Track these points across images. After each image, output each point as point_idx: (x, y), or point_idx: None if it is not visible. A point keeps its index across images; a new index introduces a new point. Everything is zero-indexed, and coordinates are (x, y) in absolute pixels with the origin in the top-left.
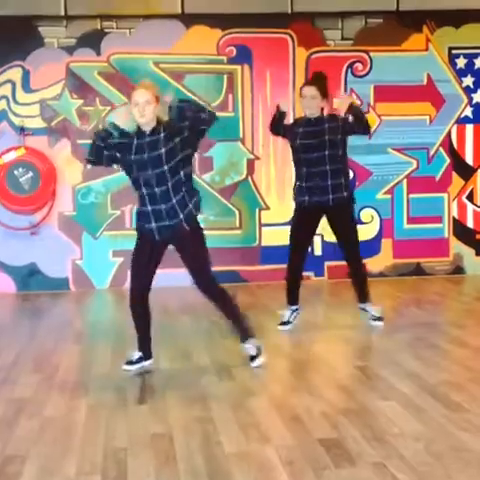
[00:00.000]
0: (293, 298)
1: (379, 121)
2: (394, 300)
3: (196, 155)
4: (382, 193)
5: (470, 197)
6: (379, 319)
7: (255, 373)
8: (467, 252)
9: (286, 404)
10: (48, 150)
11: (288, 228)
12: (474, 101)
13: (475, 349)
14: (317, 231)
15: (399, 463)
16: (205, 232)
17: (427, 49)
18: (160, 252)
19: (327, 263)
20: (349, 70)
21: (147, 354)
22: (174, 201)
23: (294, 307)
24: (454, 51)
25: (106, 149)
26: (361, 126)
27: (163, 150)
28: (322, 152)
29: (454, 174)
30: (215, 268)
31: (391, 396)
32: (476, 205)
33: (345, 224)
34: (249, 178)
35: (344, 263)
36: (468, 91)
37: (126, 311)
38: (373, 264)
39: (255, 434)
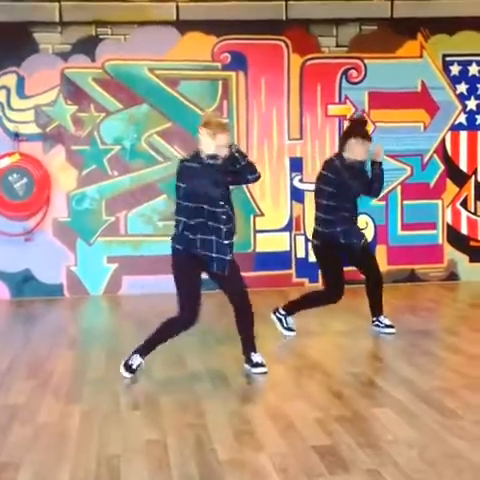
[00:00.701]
0: None
1: (373, 128)
2: (388, 307)
3: None
4: (376, 199)
5: (464, 204)
6: (391, 327)
7: (250, 380)
8: (461, 258)
9: (280, 411)
10: (42, 156)
11: (282, 234)
12: (468, 108)
13: (469, 356)
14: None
15: (393, 470)
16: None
17: (421, 56)
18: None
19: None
20: (344, 77)
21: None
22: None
23: None
24: (448, 58)
25: None
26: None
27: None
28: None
29: (448, 181)
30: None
31: (385, 403)
32: (470, 212)
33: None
34: (244, 184)
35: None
36: (462, 98)
37: (120, 317)
38: None
39: (249, 441)
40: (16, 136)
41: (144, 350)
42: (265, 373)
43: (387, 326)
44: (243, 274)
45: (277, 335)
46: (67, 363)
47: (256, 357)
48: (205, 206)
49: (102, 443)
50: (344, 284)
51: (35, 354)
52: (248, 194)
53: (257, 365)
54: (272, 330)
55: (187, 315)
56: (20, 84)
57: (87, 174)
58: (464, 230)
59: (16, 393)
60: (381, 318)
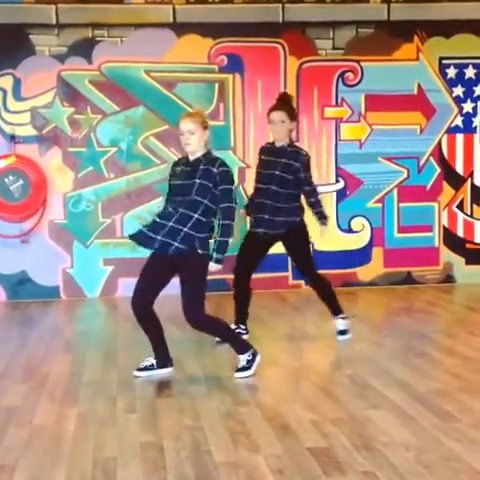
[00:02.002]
0: None
1: (370, 130)
2: (385, 309)
3: None
4: (373, 202)
5: (460, 206)
6: (344, 332)
7: (245, 382)
8: (457, 261)
9: (276, 413)
10: (39, 158)
11: None
12: (464, 111)
13: (465, 358)
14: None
15: (389, 472)
16: None
17: (418, 59)
18: (169, 273)
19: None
20: (340, 79)
21: (163, 362)
22: (185, 229)
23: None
24: (444, 61)
25: None
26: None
27: (198, 181)
28: (270, 186)
29: (444, 183)
30: None
31: (381, 405)
32: (466, 214)
33: (296, 249)
34: (240, 187)
35: (335, 272)
36: (458, 101)
37: (117, 319)
38: (364, 273)
39: (245, 443)
40: (12, 138)
41: None
42: (243, 377)
43: (340, 332)
44: None
45: (273, 337)
46: (63, 365)
47: (240, 360)
48: None
49: (98, 446)
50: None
51: (31, 356)
52: (244, 196)
53: (238, 369)
54: (268, 332)
55: None
56: (16, 86)
57: (83, 176)
58: (460, 233)
59: (12, 395)
60: (337, 321)
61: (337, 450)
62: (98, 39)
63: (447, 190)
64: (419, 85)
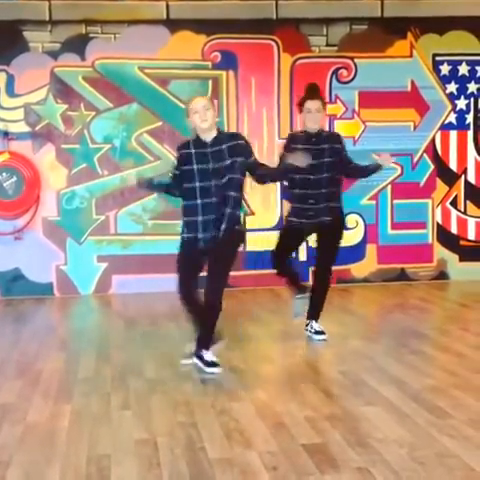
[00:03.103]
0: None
1: (364, 127)
2: (378, 305)
3: None
4: (367, 199)
5: (454, 203)
6: (321, 333)
7: (239, 379)
8: (451, 258)
9: (270, 410)
10: (32, 155)
11: (273, 233)
12: (458, 107)
13: (459, 354)
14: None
15: (383, 469)
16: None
17: (411, 56)
18: (203, 260)
19: (312, 268)
20: (334, 76)
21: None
22: (226, 212)
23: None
24: (438, 58)
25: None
26: (362, 175)
27: (228, 162)
28: (319, 175)
29: (438, 180)
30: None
31: (375, 401)
32: (460, 211)
33: (330, 242)
34: None
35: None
36: (452, 98)
37: (110, 316)
38: (357, 270)
39: (239, 439)
40: (6, 135)
41: None
42: (187, 365)
43: (317, 332)
44: (233, 273)
45: (267, 333)
46: (57, 362)
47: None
48: None
49: (92, 443)
50: None
51: (25, 353)
52: None
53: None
54: (263, 329)
55: None
56: (10, 82)
57: (77, 173)
58: (454, 229)
59: (6, 392)
60: (313, 323)
61: (331, 446)
62: (91, 35)
63: (441, 187)
64: (413, 82)
